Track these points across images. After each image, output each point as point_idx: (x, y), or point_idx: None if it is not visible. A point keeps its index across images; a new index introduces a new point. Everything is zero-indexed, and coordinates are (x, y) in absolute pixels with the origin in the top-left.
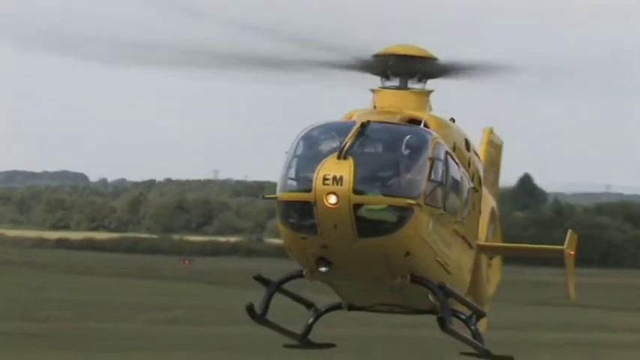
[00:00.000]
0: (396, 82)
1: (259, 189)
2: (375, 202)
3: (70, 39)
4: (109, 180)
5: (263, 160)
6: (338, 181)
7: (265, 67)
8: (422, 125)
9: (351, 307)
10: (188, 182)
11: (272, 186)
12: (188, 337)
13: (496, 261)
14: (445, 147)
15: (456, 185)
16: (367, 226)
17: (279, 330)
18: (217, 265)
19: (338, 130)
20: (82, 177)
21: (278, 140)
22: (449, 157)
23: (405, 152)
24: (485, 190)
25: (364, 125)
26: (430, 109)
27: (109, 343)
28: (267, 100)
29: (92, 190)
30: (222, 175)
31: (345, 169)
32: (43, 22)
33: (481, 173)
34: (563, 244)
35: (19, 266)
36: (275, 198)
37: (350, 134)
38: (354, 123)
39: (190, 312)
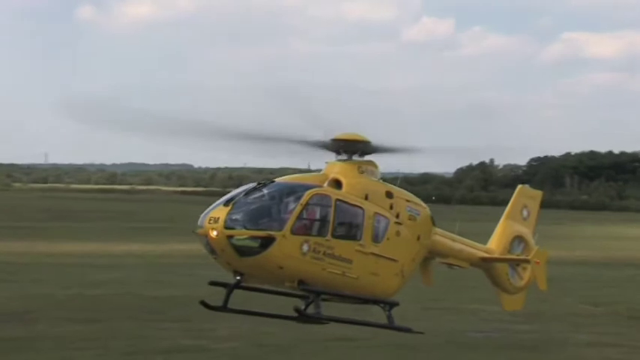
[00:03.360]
0: (344, 157)
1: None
2: (241, 234)
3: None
4: (202, 167)
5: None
6: (216, 220)
7: (247, 142)
8: (326, 183)
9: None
10: (224, 169)
11: (243, 171)
12: None
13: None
14: (333, 197)
15: (353, 221)
16: (241, 250)
17: (244, 313)
18: None
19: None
20: (190, 165)
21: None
22: (341, 203)
23: (277, 199)
24: (513, 223)
25: (261, 183)
26: (364, 172)
27: (182, 230)
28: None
29: (195, 171)
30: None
31: (222, 213)
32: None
33: (415, 212)
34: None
35: (163, 202)
36: (196, 233)
37: (245, 189)
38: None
39: None
